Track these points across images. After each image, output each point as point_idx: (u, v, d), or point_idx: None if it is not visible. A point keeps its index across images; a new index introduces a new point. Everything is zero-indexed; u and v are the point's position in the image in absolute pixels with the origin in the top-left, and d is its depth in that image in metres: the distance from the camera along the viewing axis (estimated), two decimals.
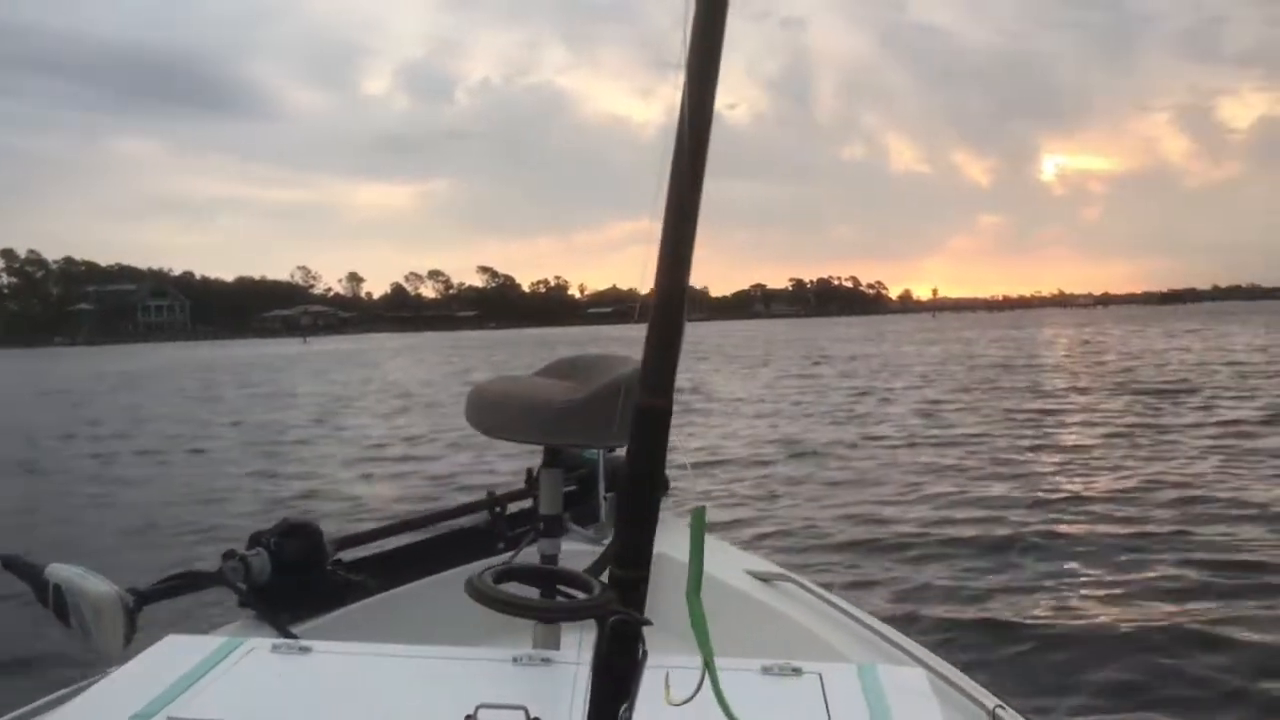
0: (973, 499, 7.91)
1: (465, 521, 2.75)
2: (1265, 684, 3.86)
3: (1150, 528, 6.55)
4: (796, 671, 1.44)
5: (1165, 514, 7.01)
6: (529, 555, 2.31)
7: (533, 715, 1.15)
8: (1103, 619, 4.72)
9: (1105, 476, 8.83)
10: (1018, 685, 3.90)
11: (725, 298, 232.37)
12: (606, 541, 2.49)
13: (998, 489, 8.26)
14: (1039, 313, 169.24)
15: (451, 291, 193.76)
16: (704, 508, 0.88)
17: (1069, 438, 11.53)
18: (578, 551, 2.33)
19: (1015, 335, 48.66)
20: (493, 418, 2.02)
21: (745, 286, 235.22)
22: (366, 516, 7.93)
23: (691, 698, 0.85)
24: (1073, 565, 5.77)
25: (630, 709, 0.87)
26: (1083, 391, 17.28)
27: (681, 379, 0.91)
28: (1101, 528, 6.76)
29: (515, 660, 1.46)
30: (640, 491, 0.89)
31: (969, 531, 6.75)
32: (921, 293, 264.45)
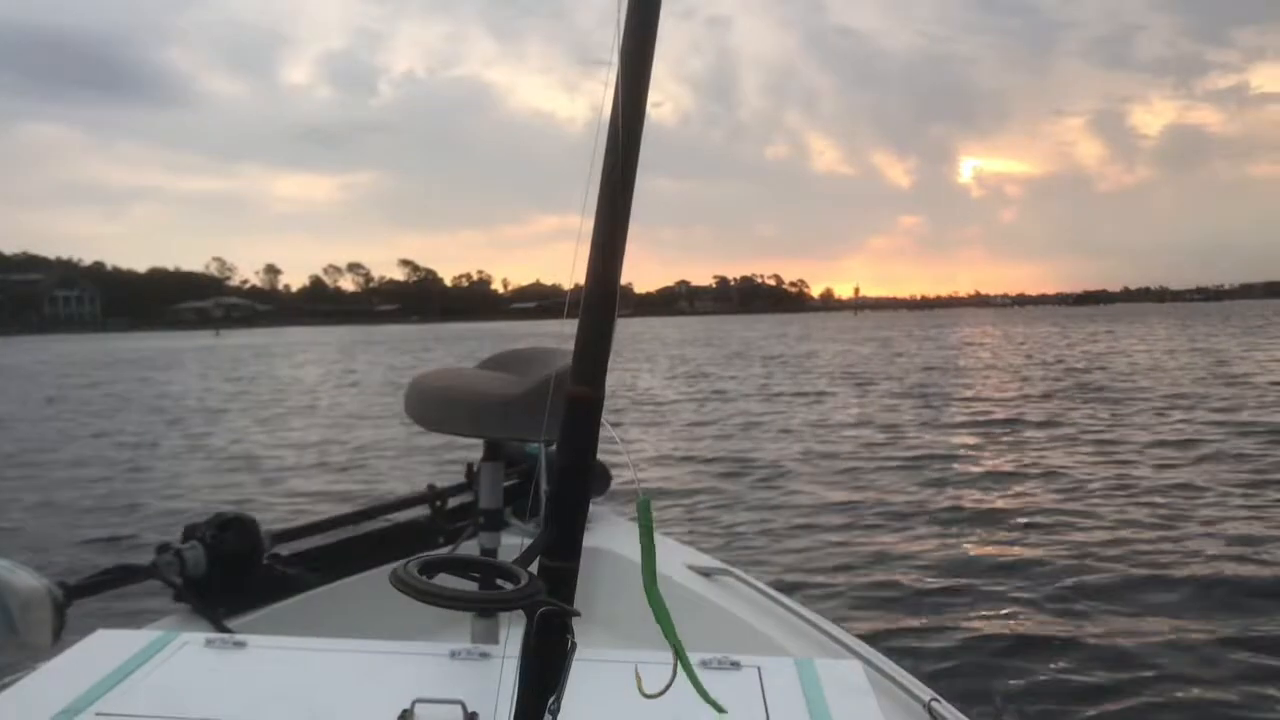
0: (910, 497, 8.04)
1: (405, 515, 2.73)
2: (1185, 674, 4.04)
3: (1082, 528, 6.69)
4: (735, 665, 1.45)
5: (1105, 509, 7.21)
6: (468, 549, 2.32)
7: (469, 709, 1.12)
8: (1036, 615, 4.82)
9: (1044, 477, 8.90)
10: (953, 678, 3.98)
11: (650, 294, 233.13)
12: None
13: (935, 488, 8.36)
14: (958, 312, 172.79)
15: (372, 285, 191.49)
16: (649, 499, 0.88)
17: (1010, 438, 11.54)
18: (518, 545, 2.51)
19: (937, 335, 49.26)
20: (432, 411, 2.00)
21: (670, 283, 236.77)
22: (304, 510, 7.61)
23: (665, 690, 0.84)
24: (1007, 562, 5.88)
25: (558, 700, 0.87)
26: (1036, 396, 16.72)
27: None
28: (1034, 526, 6.91)
29: (453, 655, 1.45)
30: (570, 482, 0.88)
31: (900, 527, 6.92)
32: (843, 291, 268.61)
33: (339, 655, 1.49)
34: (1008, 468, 9.17)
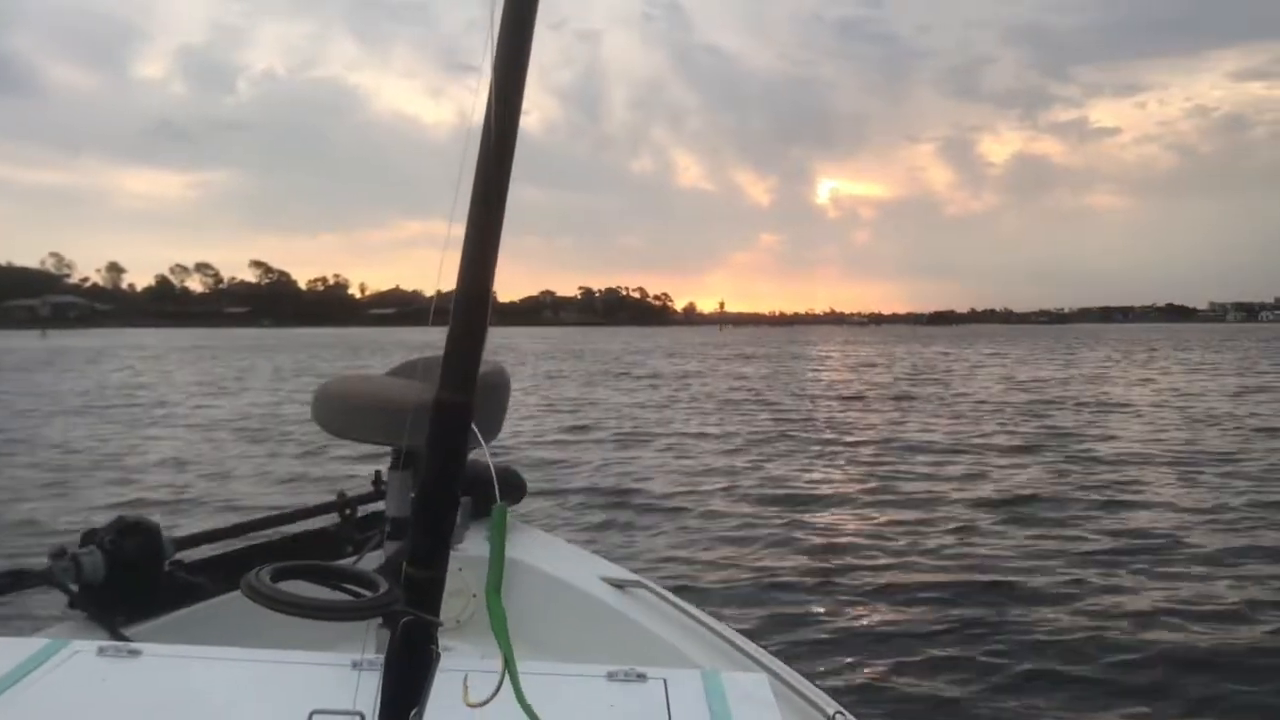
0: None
1: (314, 523, 2.68)
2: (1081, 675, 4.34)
3: (985, 545, 6.91)
4: (641, 677, 1.46)
5: (989, 519, 7.68)
6: (375, 558, 2.27)
7: None
8: (941, 631, 4.93)
9: (945, 484, 9.38)
10: (859, 691, 4.08)
11: (515, 303, 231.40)
12: (460, 546, 2.47)
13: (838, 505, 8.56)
14: (821, 329, 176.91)
15: (221, 286, 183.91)
16: (505, 506, 0.87)
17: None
18: None
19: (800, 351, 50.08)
20: (340, 418, 1.98)
21: (535, 293, 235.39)
22: (210, 516, 7.56)
23: (490, 699, 0.83)
24: (913, 578, 5.98)
25: (420, 713, 0.85)
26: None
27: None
28: (935, 532, 7.22)
29: (355, 665, 1.40)
30: (438, 488, 0.86)
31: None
32: (705, 306, 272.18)
33: (237, 665, 1.46)
34: (929, 488, 9.24)
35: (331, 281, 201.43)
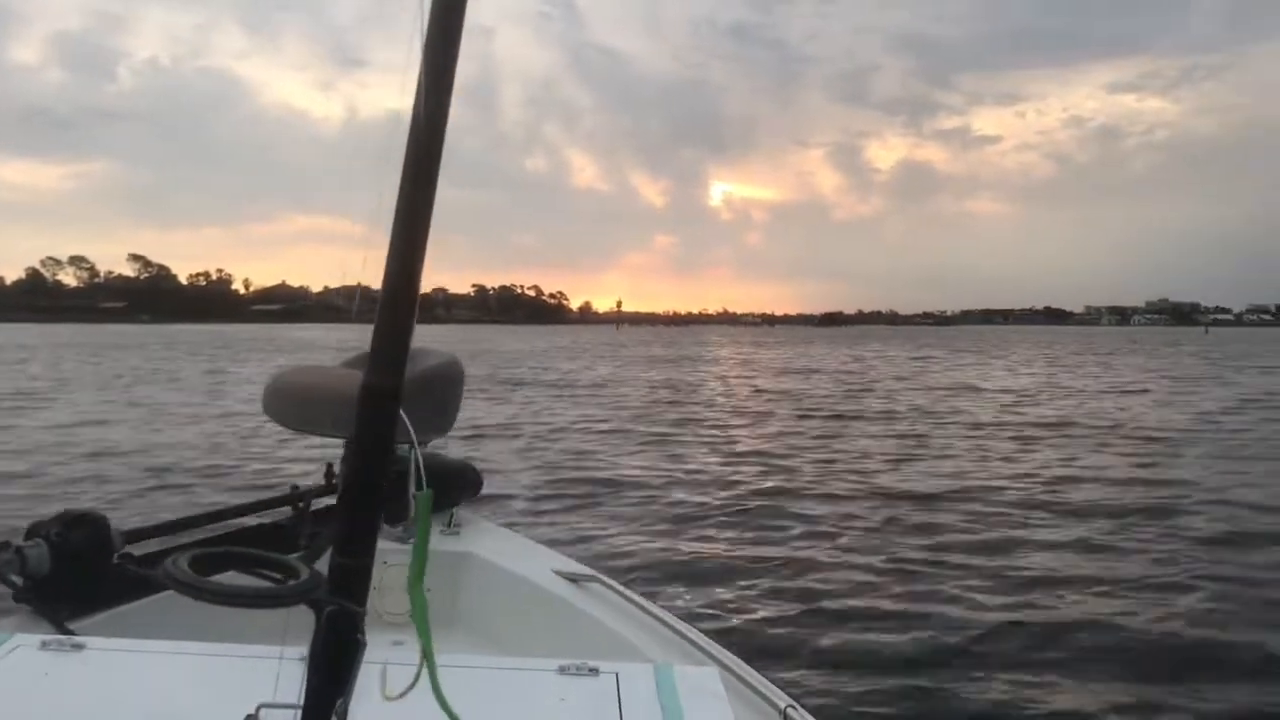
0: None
1: (267, 517, 2.64)
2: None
3: (935, 533, 7.11)
4: (593, 671, 1.45)
5: (952, 515, 7.83)
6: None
7: None
8: (892, 626, 4.96)
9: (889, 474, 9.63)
10: (810, 685, 4.11)
11: None
12: (413, 541, 1.93)
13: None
14: (713, 329, 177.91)
15: (97, 280, 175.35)
16: (430, 493, 0.89)
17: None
18: (385, 550, 2.00)
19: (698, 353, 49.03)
20: (292, 410, 1.88)
21: (427, 290, 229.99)
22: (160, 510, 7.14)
23: (406, 691, 0.84)
24: (867, 574, 6.00)
25: (346, 702, 0.83)
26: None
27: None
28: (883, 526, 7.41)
29: (304, 659, 1.23)
30: (366, 474, 0.84)
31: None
32: (601, 305, 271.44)
33: (184, 658, 1.44)
34: (882, 481, 9.48)
35: (214, 276, 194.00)
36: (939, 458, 11.29)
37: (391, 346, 0.82)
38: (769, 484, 9.42)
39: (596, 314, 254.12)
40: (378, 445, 0.84)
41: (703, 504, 8.33)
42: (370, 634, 0.87)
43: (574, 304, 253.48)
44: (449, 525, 2.75)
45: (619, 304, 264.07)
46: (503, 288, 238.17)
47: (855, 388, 23.29)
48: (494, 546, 2.58)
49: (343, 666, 0.84)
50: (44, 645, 1.47)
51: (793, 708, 1.57)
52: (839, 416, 16.20)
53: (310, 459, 9.38)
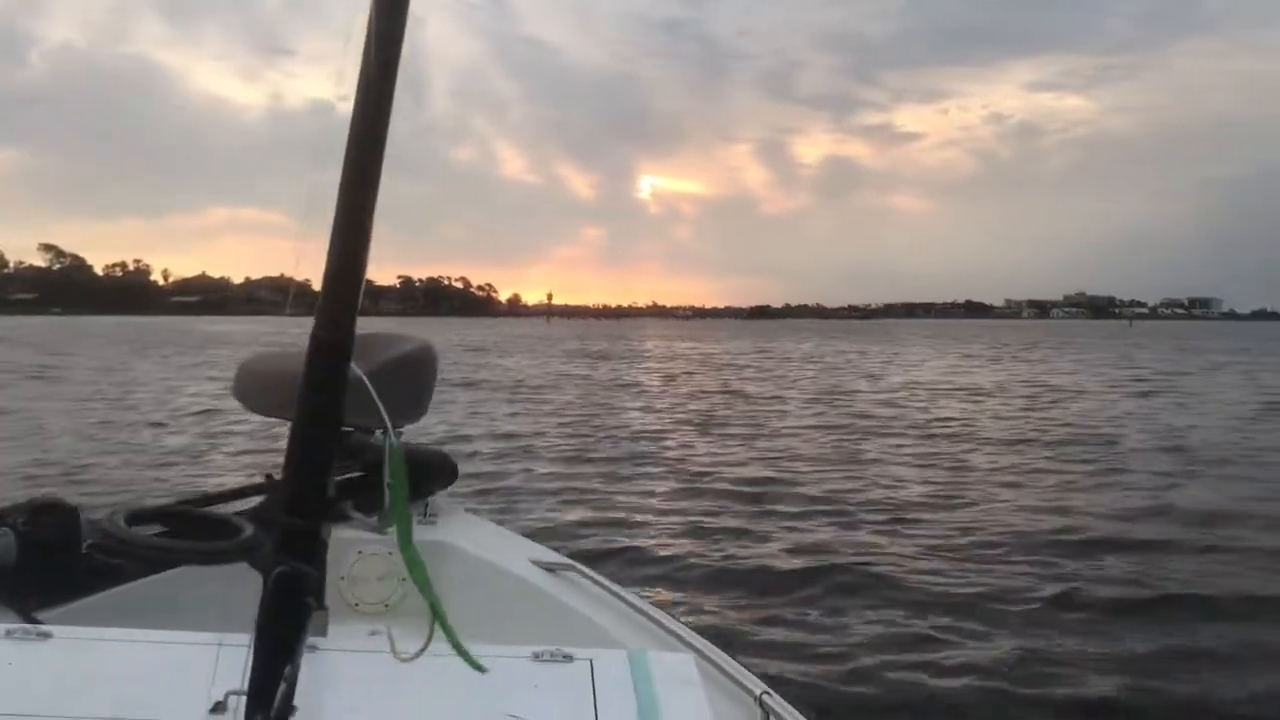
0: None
1: (241, 505, 2.49)
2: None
3: (911, 524, 7.19)
4: (568, 658, 1.44)
5: (912, 506, 7.88)
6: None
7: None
8: (869, 613, 4.98)
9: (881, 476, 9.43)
10: (786, 672, 4.10)
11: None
12: (390, 530, 2.33)
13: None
14: (644, 322, 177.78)
15: (6, 271, 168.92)
16: (401, 450, 0.88)
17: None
18: (360, 539, 2.27)
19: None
20: (262, 395, 1.97)
21: None
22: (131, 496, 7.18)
23: (422, 650, 0.83)
24: (841, 559, 6.04)
25: (294, 669, 0.81)
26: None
27: None
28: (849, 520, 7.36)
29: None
30: (313, 433, 0.81)
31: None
32: (530, 297, 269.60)
33: (153, 646, 1.43)
34: (849, 468, 9.72)
35: (131, 267, 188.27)
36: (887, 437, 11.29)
37: (341, 298, 0.79)
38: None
39: (526, 307, 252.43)
40: (328, 400, 0.80)
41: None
42: (346, 624, 0.83)
43: (503, 296, 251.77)
44: (424, 514, 2.67)
45: (550, 297, 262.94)
46: (430, 280, 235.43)
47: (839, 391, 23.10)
48: (470, 536, 2.55)
49: (290, 632, 0.79)
50: (9, 634, 1.43)
51: (768, 694, 1.57)
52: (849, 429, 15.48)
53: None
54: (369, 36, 0.81)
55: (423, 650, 0.83)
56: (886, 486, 8.74)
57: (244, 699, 0.96)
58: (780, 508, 7.73)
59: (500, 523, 2.99)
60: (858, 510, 7.64)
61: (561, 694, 1.36)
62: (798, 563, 5.92)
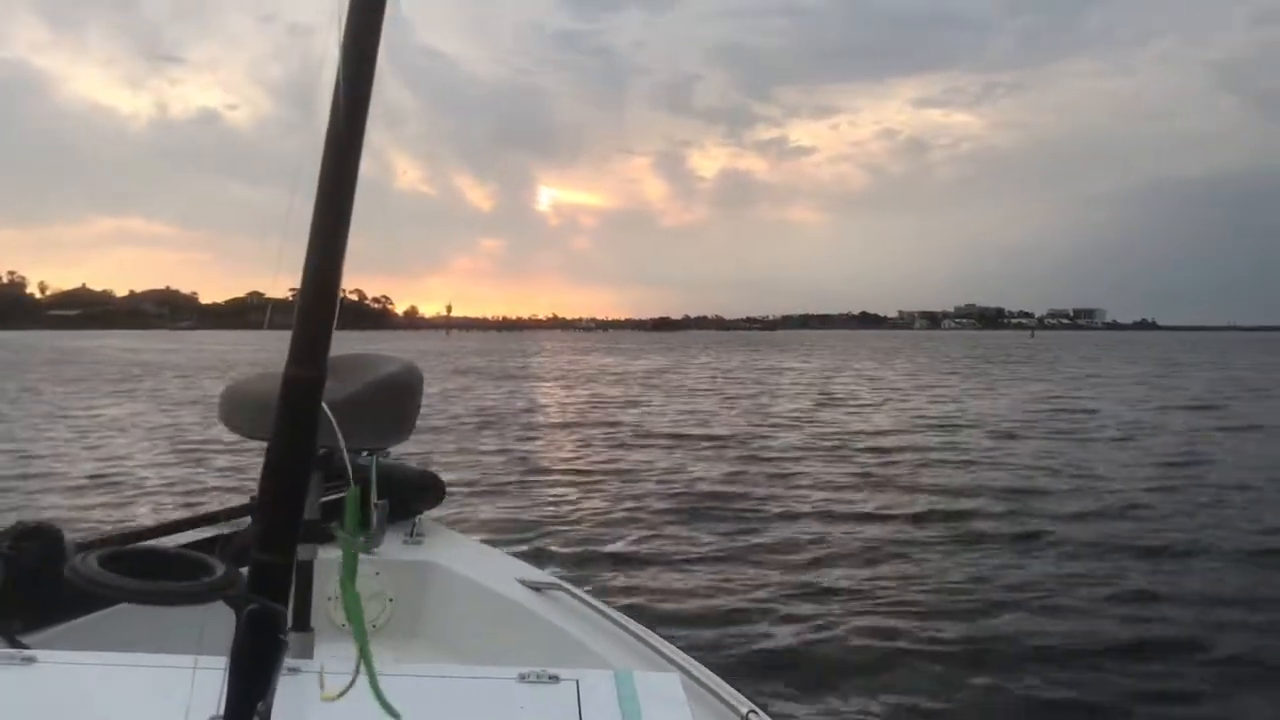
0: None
1: (226, 528, 2.53)
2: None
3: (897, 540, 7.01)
4: (554, 679, 1.44)
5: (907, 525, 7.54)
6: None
7: None
8: (855, 630, 4.88)
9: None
10: (773, 690, 4.05)
11: (218, 304, 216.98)
12: (377, 550, 2.42)
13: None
14: (545, 334, 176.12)
15: None
16: (359, 490, 0.91)
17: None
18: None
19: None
20: (247, 417, 1.97)
21: (241, 294, 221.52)
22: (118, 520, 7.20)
23: (345, 691, 0.85)
24: (825, 577, 5.94)
25: (268, 705, 0.83)
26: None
27: None
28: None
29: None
30: (287, 467, 0.83)
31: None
32: (428, 309, 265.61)
33: (137, 670, 1.43)
34: (841, 483, 9.36)
35: (5, 280, 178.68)
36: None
37: (313, 334, 0.81)
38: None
39: (424, 319, 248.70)
40: (299, 435, 0.81)
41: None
42: (332, 646, 0.82)
43: (400, 309, 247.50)
44: (411, 534, 2.66)
45: (449, 308, 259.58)
46: (292, 291, 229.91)
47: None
48: (457, 555, 2.56)
49: (263, 668, 0.81)
50: None
51: (755, 713, 1.58)
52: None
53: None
54: (344, 48, 0.79)
55: (347, 690, 0.83)
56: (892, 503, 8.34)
57: None
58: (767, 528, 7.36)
59: (476, 536, 2.92)
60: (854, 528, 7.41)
61: (547, 715, 1.34)
62: (785, 581, 5.82)
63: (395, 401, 2.03)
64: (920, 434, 13.89)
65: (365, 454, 2.55)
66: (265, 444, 1.45)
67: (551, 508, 8.12)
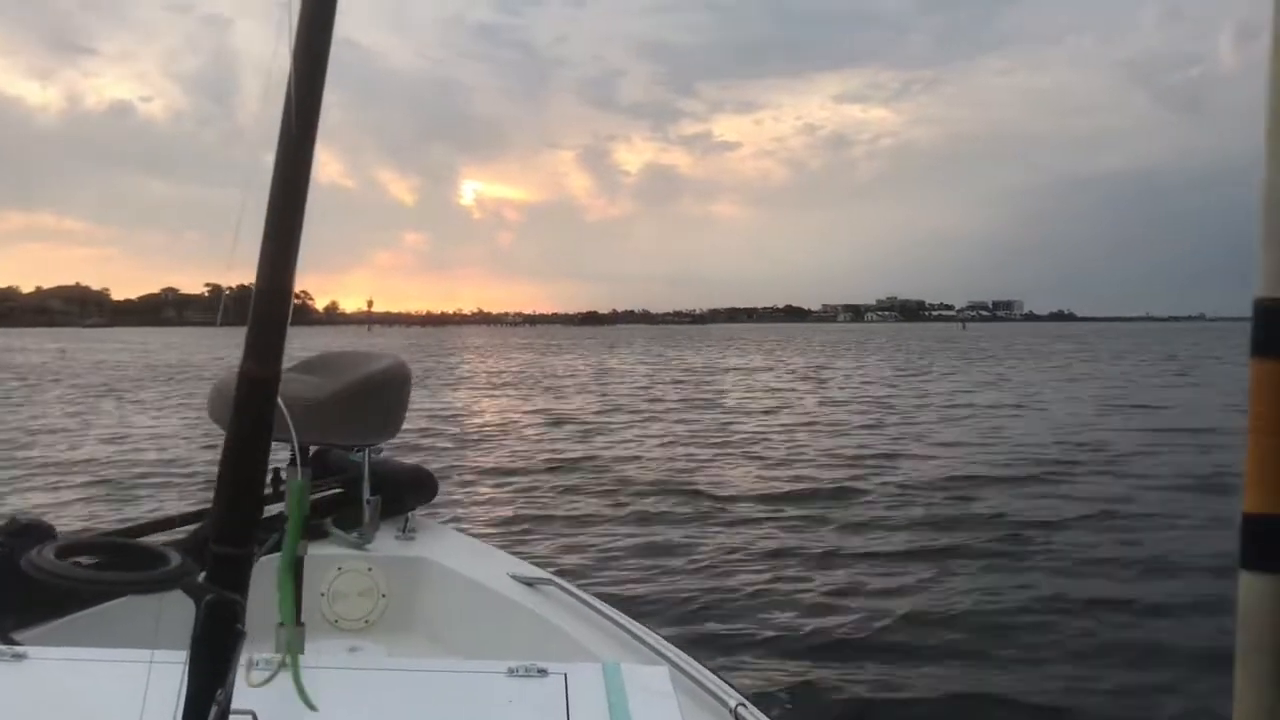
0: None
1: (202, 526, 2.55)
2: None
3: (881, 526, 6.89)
4: (542, 672, 1.45)
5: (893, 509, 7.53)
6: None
7: None
8: (845, 622, 4.83)
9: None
10: (762, 683, 3.98)
11: (130, 301, 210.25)
12: (370, 546, 2.45)
13: None
14: (470, 330, 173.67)
15: None
16: (304, 483, 0.95)
17: None
18: (339, 555, 2.36)
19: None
20: None
21: (155, 290, 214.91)
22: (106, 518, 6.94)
23: (270, 679, 0.87)
24: (820, 569, 5.81)
25: (227, 693, 0.85)
26: None
27: None
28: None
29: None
30: (244, 462, 0.85)
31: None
32: (348, 305, 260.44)
33: (127, 665, 1.41)
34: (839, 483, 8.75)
35: None
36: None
37: (268, 334, 0.82)
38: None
39: (344, 314, 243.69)
40: (255, 431, 0.83)
41: None
42: (325, 640, 0.85)
43: (319, 304, 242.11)
44: (404, 530, 2.63)
45: (370, 304, 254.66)
46: (240, 287, 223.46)
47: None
48: (449, 551, 2.54)
49: (222, 657, 0.83)
50: None
51: (743, 705, 1.55)
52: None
53: None
54: (296, 52, 0.80)
55: (270, 679, 0.87)
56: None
57: None
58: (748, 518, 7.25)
59: (468, 532, 3.00)
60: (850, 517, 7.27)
61: (535, 708, 1.34)
62: (775, 574, 5.72)
63: (383, 398, 1.98)
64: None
65: (355, 450, 2.59)
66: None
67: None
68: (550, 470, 9.21)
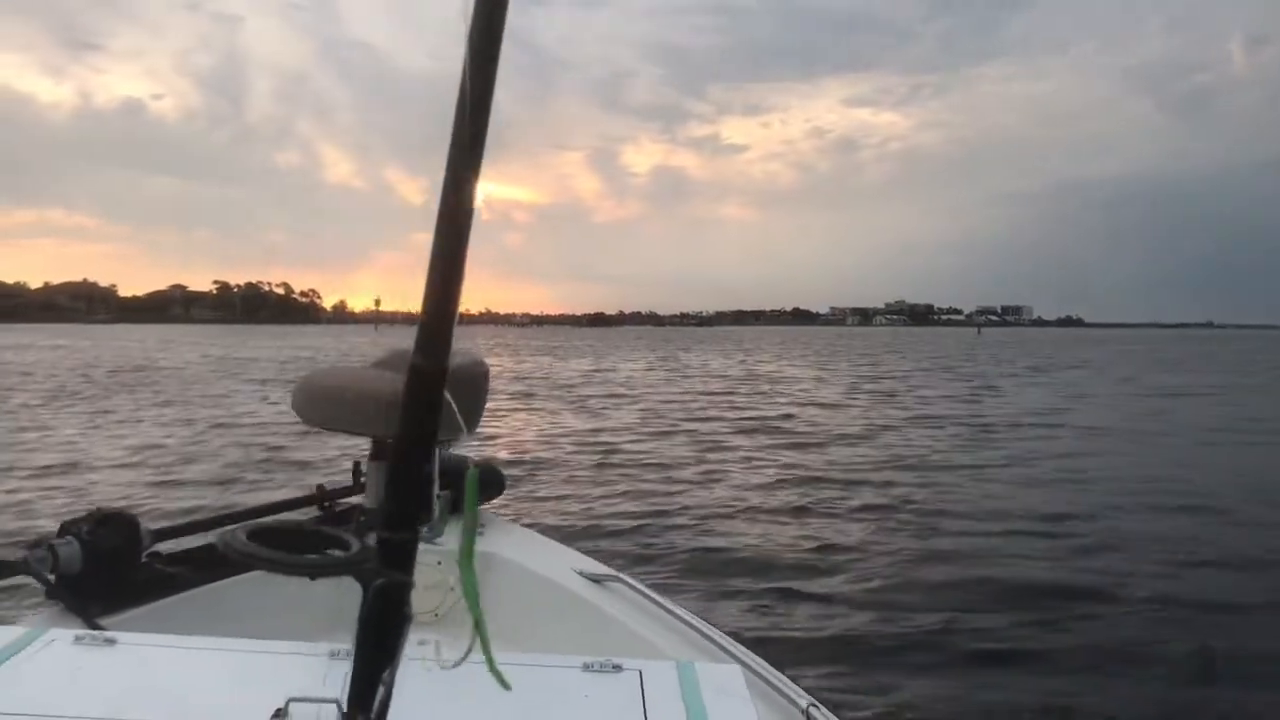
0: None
1: (293, 517, 2.60)
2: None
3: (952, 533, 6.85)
4: (617, 668, 1.45)
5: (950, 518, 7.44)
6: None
7: (345, 709, 1.07)
8: (916, 623, 4.79)
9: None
10: (833, 683, 3.95)
11: (138, 297, 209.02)
12: (439, 540, 2.46)
13: None
14: (481, 329, 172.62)
15: None
16: (478, 471, 0.97)
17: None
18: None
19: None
20: (321, 409, 2.03)
21: (163, 287, 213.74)
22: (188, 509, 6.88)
23: (462, 659, 0.89)
24: (888, 571, 5.79)
25: (393, 673, 0.88)
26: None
27: None
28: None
29: (332, 655, 1.38)
30: (411, 453, 0.87)
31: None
32: (356, 304, 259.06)
33: (213, 654, 1.46)
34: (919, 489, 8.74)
35: None
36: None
37: (436, 327, 0.84)
38: None
39: (352, 314, 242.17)
40: (423, 422, 0.85)
41: None
42: (414, 632, 0.91)
43: (328, 304, 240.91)
44: None
45: (377, 303, 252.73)
46: (249, 285, 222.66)
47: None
48: (517, 547, 2.55)
49: (392, 637, 0.87)
50: (77, 640, 1.45)
51: (815, 706, 1.56)
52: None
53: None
54: (473, 25, 0.80)
55: (463, 659, 0.87)
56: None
57: (303, 706, 1.06)
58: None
59: (535, 528, 2.94)
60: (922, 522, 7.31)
61: (611, 704, 1.34)
62: (846, 577, 5.66)
63: (462, 394, 1.74)
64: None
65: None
66: (342, 434, 1.68)
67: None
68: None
